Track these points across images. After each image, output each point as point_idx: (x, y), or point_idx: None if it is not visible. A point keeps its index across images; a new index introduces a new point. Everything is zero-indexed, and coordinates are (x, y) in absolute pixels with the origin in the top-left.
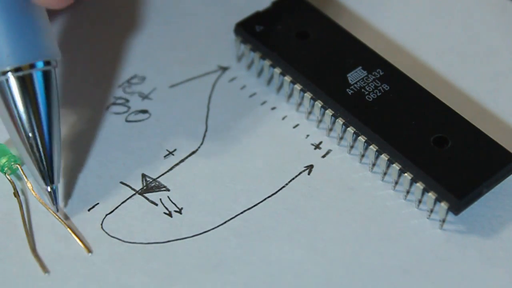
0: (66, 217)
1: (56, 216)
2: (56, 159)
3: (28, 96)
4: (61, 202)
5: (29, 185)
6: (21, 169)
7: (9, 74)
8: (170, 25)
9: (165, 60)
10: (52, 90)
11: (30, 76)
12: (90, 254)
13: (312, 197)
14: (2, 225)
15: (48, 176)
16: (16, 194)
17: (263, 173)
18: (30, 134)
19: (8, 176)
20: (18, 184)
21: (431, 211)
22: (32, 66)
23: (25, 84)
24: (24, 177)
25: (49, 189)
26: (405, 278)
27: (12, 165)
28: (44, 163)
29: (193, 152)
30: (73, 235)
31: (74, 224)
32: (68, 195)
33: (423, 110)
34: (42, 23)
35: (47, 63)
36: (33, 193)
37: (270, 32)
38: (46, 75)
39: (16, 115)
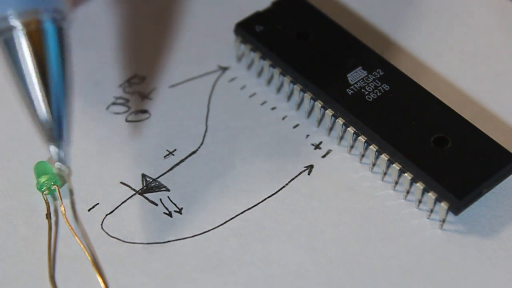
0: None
1: (82, 246)
2: (65, 117)
3: (36, 50)
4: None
5: (62, 208)
6: (58, 191)
7: (18, 24)
8: (170, 25)
9: (165, 60)
10: (64, 47)
11: (40, 30)
12: None
13: (312, 197)
14: (2, 225)
15: (55, 134)
16: (48, 216)
17: (263, 173)
18: (39, 86)
19: (44, 196)
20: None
21: (431, 211)
22: (41, 22)
23: (33, 38)
24: (59, 200)
25: (53, 149)
26: (405, 278)
27: (51, 185)
28: (51, 122)
29: (193, 152)
30: (95, 272)
31: (75, 224)
32: (68, 195)
33: (423, 110)
34: None
35: (55, 19)
36: (64, 218)
37: (270, 32)
38: (60, 31)
39: (24, 70)
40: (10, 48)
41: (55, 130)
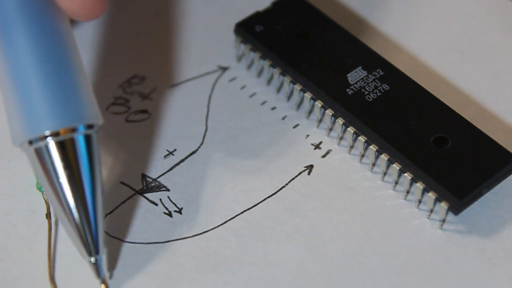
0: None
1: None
2: (100, 229)
3: (69, 162)
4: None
5: None
6: None
7: (49, 139)
8: (170, 25)
9: (165, 60)
10: (94, 155)
11: (71, 141)
12: None
13: (312, 197)
14: (2, 225)
15: (91, 247)
16: (48, 216)
17: (263, 173)
18: (73, 205)
19: (44, 196)
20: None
21: (431, 211)
22: (74, 130)
23: (66, 149)
24: None
25: (93, 260)
26: (405, 278)
27: None
28: (87, 233)
29: (193, 152)
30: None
31: None
32: None
33: (423, 110)
34: (83, 83)
35: (88, 126)
36: None
37: (270, 32)
38: (88, 140)
39: (56, 183)
40: (41, 158)
41: (93, 245)
